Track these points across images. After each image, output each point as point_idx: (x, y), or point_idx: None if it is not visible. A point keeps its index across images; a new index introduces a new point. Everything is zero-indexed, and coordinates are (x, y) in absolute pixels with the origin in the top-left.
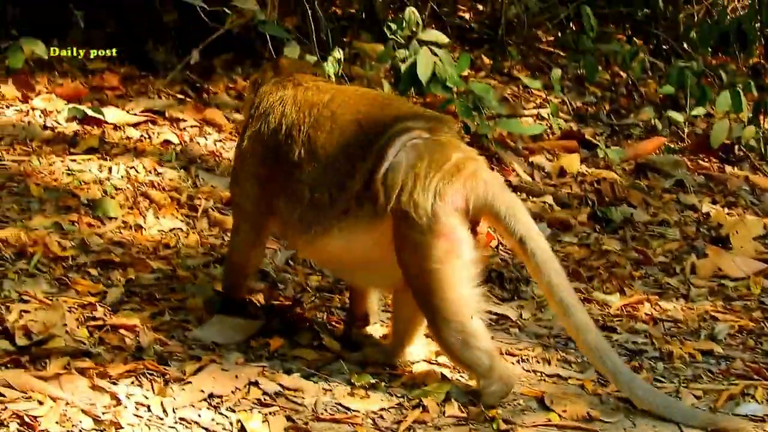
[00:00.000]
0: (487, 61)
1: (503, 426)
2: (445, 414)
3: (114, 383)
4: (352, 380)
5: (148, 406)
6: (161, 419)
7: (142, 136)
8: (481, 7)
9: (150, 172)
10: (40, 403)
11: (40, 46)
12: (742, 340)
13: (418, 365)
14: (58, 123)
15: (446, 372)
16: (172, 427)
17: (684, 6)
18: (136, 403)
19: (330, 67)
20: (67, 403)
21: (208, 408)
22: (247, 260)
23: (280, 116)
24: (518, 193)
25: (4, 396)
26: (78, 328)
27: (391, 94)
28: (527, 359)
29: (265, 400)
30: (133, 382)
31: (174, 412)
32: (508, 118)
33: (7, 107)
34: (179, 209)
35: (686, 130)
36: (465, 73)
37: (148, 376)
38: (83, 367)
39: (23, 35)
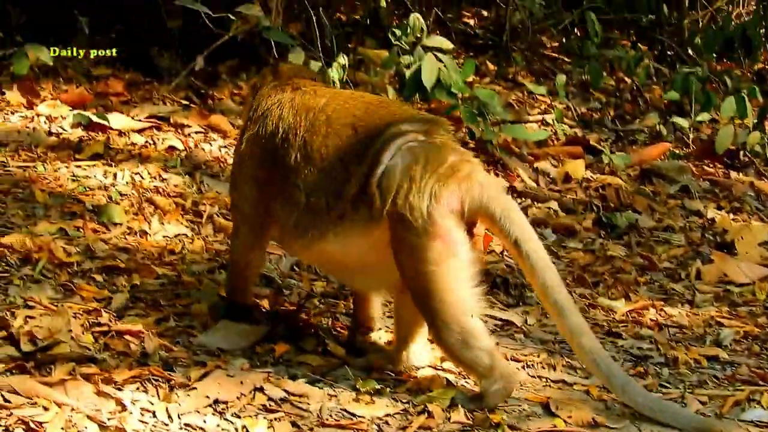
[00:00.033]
0: (491, 67)
1: None
2: (450, 420)
3: (119, 389)
4: (358, 386)
5: (154, 412)
6: (166, 425)
7: (146, 142)
8: (485, 13)
9: (155, 178)
10: (46, 409)
11: (45, 53)
12: (748, 345)
13: (423, 371)
14: (63, 129)
15: (451, 378)
16: None
17: (689, 12)
18: (142, 408)
19: (334, 73)
20: (73, 409)
21: (213, 414)
22: (248, 262)
23: (277, 119)
24: (523, 199)
25: (9, 402)
26: (83, 333)
27: (386, 98)
28: (532, 365)
29: (270, 405)
30: (138, 388)
31: (179, 417)
32: (513, 124)
33: (12, 113)
34: (184, 215)
35: (691, 136)
36: (469, 79)
37: (154, 381)
38: (88, 373)
39: (28, 41)
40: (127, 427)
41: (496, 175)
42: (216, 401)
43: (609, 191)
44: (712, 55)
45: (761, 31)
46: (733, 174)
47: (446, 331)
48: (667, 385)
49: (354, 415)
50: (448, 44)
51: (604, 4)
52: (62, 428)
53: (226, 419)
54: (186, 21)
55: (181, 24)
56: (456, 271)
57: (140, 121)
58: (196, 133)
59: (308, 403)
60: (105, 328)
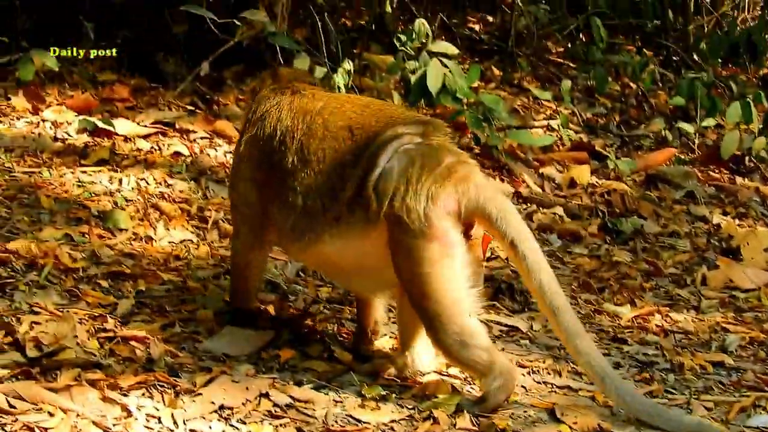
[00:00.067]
0: (497, 72)
1: None
2: (455, 426)
3: (125, 395)
4: (363, 392)
5: (159, 418)
6: (172, 431)
7: (152, 147)
8: (491, 19)
9: (160, 183)
10: (51, 414)
11: (50, 58)
12: (753, 351)
13: (429, 376)
14: (69, 135)
15: (457, 383)
16: None
17: (694, 17)
18: (147, 414)
19: (340, 78)
20: (78, 415)
21: (218, 420)
22: (248, 263)
23: (275, 122)
24: (528, 205)
25: (14, 408)
26: (88, 339)
27: (382, 101)
28: (538, 371)
29: (275, 411)
30: (143, 394)
31: (185, 423)
32: (518, 130)
33: (18, 119)
34: (189, 221)
35: (697, 141)
36: (475, 85)
37: (159, 387)
38: (94, 379)
39: (34, 47)
40: None
41: (502, 180)
42: (221, 407)
43: (614, 197)
44: (717, 60)
45: (766, 36)
46: (739, 179)
47: (444, 332)
48: (673, 391)
49: (359, 420)
50: (453, 49)
51: (609, 9)
52: None
53: (231, 425)
54: (191, 26)
55: (187, 29)
56: (453, 273)
57: (146, 126)
58: (202, 138)
59: (314, 409)
60: (110, 334)
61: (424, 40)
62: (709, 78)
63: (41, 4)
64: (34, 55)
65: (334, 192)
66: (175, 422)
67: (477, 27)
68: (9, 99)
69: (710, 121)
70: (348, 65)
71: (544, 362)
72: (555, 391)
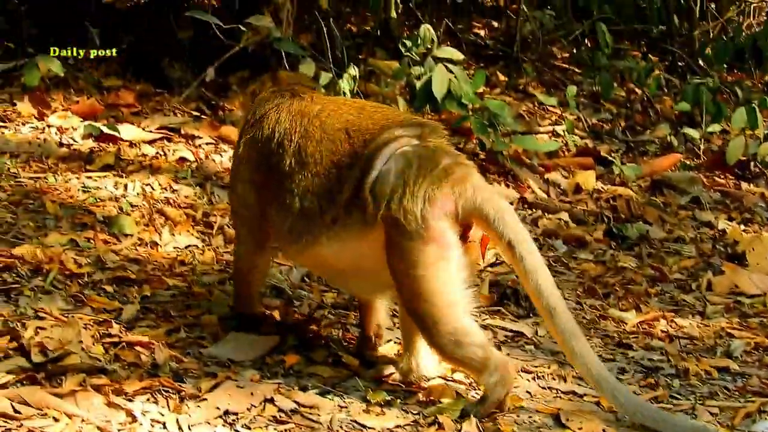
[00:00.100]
0: (502, 77)
1: None
2: (461, 431)
3: (130, 400)
4: (368, 397)
5: (164, 423)
6: None
7: (157, 153)
8: (496, 24)
9: (165, 189)
10: (56, 420)
11: (56, 64)
12: (759, 357)
13: (434, 382)
14: (74, 140)
15: (461, 389)
16: None
17: (699, 23)
18: (152, 420)
19: (345, 84)
20: (83, 420)
21: (223, 425)
22: (249, 267)
23: (273, 124)
24: (534, 210)
25: (19, 413)
26: (93, 344)
27: (380, 104)
28: (543, 376)
29: (280, 417)
30: (148, 399)
31: (189, 429)
32: (524, 135)
33: (23, 124)
34: (195, 226)
35: (702, 147)
36: (480, 90)
37: (164, 393)
38: (99, 384)
39: (39, 53)
40: None
41: (507, 186)
42: (226, 412)
43: (620, 202)
44: (722, 65)
45: None
46: (744, 185)
47: (438, 334)
48: (678, 396)
49: (364, 426)
50: (458, 55)
51: (614, 15)
52: None
53: (236, 430)
54: (197, 32)
55: (192, 35)
56: (448, 275)
57: (151, 132)
58: (207, 144)
59: (318, 415)
60: (115, 339)
61: (429, 46)
62: (715, 83)
63: (47, 10)
64: (39, 61)
65: (331, 194)
66: (180, 427)
67: (482, 32)
68: (14, 104)
69: (715, 127)
70: (353, 71)
71: (548, 367)
72: (560, 397)
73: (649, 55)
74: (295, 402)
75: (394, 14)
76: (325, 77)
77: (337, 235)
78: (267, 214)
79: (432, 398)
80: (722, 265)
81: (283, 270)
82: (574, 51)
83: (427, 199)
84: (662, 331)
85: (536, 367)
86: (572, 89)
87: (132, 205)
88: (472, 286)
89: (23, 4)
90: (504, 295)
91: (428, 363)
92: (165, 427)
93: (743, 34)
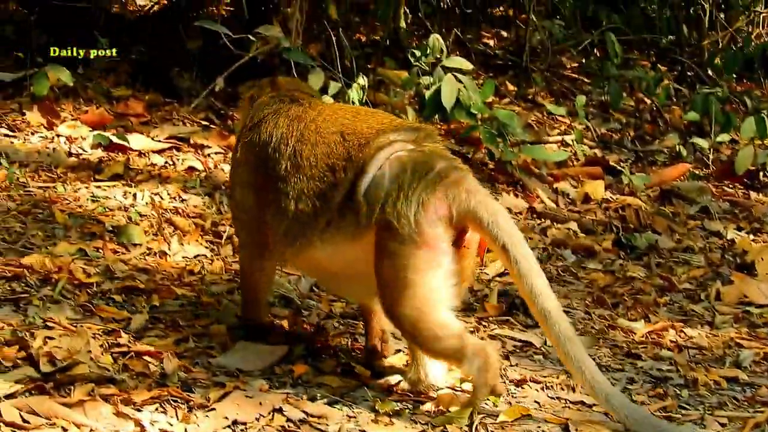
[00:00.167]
0: (511, 87)
1: None
2: None
3: (138, 410)
4: (377, 407)
5: None
6: None
7: (166, 162)
8: (505, 34)
9: (174, 198)
10: (65, 429)
11: (65, 73)
12: (767, 367)
13: (442, 391)
14: (83, 150)
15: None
16: None
17: (708, 32)
18: (161, 429)
19: (354, 93)
20: (92, 430)
21: None
22: (255, 273)
23: (271, 128)
24: (542, 220)
25: (28, 423)
26: (102, 354)
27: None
28: (551, 386)
29: (289, 427)
30: (157, 409)
31: None
32: (533, 145)
33: (33, 134)
34: (204, 236)
35: (711, 157)
36: (489, 100)
37: (173, 402)
38: (107, 394)
39: (48, 62)
40: None
41: (516, 195)
42: (235, 422)
43: (628, 212)
44: (732, 75)
45: None
46: (753, 195)
47: (417, 332)
48: (687, 406)
49: None
50: (467, 65)
51: (624, 24)
52: None
53: None
54: (206, 42)
55: (201, 45)
56: (436, 283)
57: (160, 141)
58: (216, 153)
59: (327, 425)
60: (124, 349)
61: (438, 56)
62: (724, 93)
63: (56, 19)
64: (48, 71)
65: (325, 197)
66: None
67: (491, 42)
68: (24, 114)
69: (725, 137)
70: (362, 80)
71: (557, 377)
72: (568, 407)
73: (658, 65)
74: (304, 412)
75: (403, 24)
76: (334, 87)
77: (331, 238)
78: (264, 218)
79: (440, 408)
80: (731, 275)
81: (292, 280)
82: (583, 61)
83: (421, 203)
84: (671, 341)
85: (545, 377)
86: (581, 99)
87: (141, 215)
88: (462, 294)
89: (32, 14)
90: (512, 304)
91: (437, 373)
92: None
93: (752, 43)
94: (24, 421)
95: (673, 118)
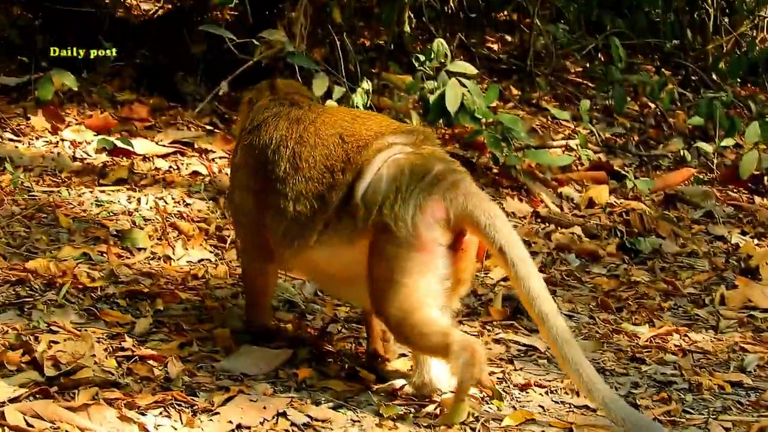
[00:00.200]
0: (515, 92)
1: None
2: None
3: (142, 414)
4: (381, 411)
5: None
6: None
7: (170, 167)
8: (509, 38)
9: (179, 203)
10: None
11: (69, 78)
12: None
13: (446, 396)
14: (88, 154)
15: (474, 402)
16: None
17: (713, 37)
18: None
19: (358, 98)
20: None
21: None
22: (257, 274)
23: (271, 131)
24: (547, 224)
25: (32, 426)
26: (106, 358)
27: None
28: (555, 390)
29: (293, 431)
30: (161, 413)
31: None
32: (537, 149)
33: (37, 138)
34: (208, 240)
35: (715, 161)
36: (493, 104)
37: (177, 406)
38: (111, 398)
39: (53, 67)
40: None
41: (520, 200)
42: (239, 426)
43: (633, 216)
44: (736, 80)
45: None
46: (758, 199)
47: (404, 329)
48: (691, 411)
49: None
50: (472, 69)
51: (628, 29)
52: None
53: None
54: (210, 46)
55: (206, 49)
56: (429, 287)
57: (164, 146)
58: (220, 158)
59: (331, 429)
60: (128, 353)
61: (442, 60)
62: (728, 98)
63: (60, 24)
64: (53, 75)
65: (323, 199)
66: None
67: (495, 47)
68: (28, 119)
69: (729, 141)
70: (367, 85)
71: (561, 382)
72: (573, 411)
73: (663, 70)
74: (308, 416)
75: (407, 28)
76: (338, 91)
77: (328, 240)
78: (264, 221)
79: (445, 412)
80: (735, 280)
81: (296, 284)
82: (588, 65)
83: (418, 205)
84: (675, 346)
85: (549, 381)
86: (585, 103)
87: (145, 219)
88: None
89: (36, 19)
90: (517, 309)
91: (441, 377)
92: None
93: (757, 48)
94: (28, 425)
95: (677, 123)
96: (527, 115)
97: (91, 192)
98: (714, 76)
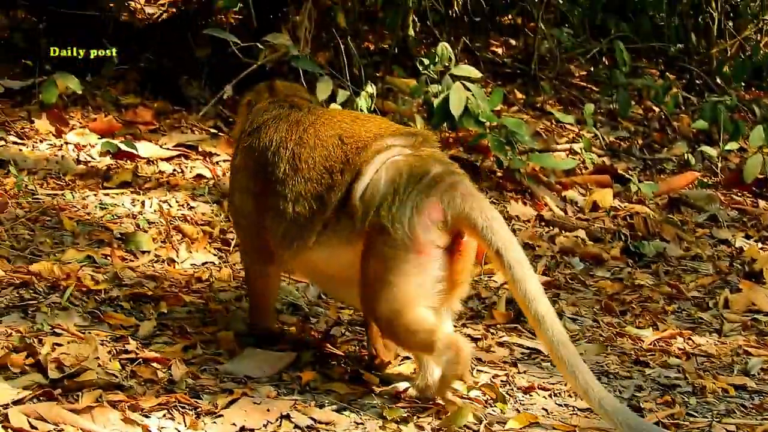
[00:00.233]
0: (519, 95)
1: None
2: None
3: (146, 416)
4: (384, 414)
5: None
6: None
7: (174, 170)
8: (513, 42)
9: (183, 206)
10: None
11: (73, 81)
12: None
13: (450, 398)
14: (92, 157)
15: (478, 406)
16: None
17: (717, 41)
18: None
19: (363, 101)
20: None
21: None
22: (259, 276)
23: (270, 133)
24: (551, 228)
25: (36, 429)
26: (110, 361)
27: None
28: (559, 393)
29: None
30: (165, 415)
31: None
32: (541, 153)
33: (41, 141)
34: (212, 243)
35: (719, 165)
36: (497, 108)
37: (180, 409)
38: (115, 400)
39: (57, 70)
40: None
41: (524, 203)
42: (242, 429)
43: (637, 220)
44: (740, 83)
45: None
46: (762, 203)
47: (396, 330)
48: (695, 414)
49: None
50: (476, 73)
51: (632, 33)
52: None
53: None
54: (214, 50)
55: (210, 53)
56: (423, 288)
57: (168, 149)
58: (224, 161)
59: (335, 431)
60: (132, 356)
61: (446, 64)
62: (732, 101)
63: (64, 27)
64: (57, 79)
65: (322, 200)
66: None
67: (500, 50)
68: (32, 122)
69: (733, 145)
70: (371, 88)
71: (565, 385)
72: (576, 414)
73: (667, 73)
74: (312, 418)
75: (411, 32)
76: (342, 95)
77: (327, 241)
78: (264, 223)
79: (448, 415)
80: (739, 283)
81: (300, 287)
82: (592, 69)
83: (415, 207)
84: (679, 349)
85: (552, 384)
86: (590, 107)
87: (149, 222)
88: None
89: (41, 22)
90: (520, 312)
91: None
92: None
93: (761, 52)
94: (32, 427)
95: (681, 127)
96: (531, 119)
97: (95, 195)
98: (718, 80)
